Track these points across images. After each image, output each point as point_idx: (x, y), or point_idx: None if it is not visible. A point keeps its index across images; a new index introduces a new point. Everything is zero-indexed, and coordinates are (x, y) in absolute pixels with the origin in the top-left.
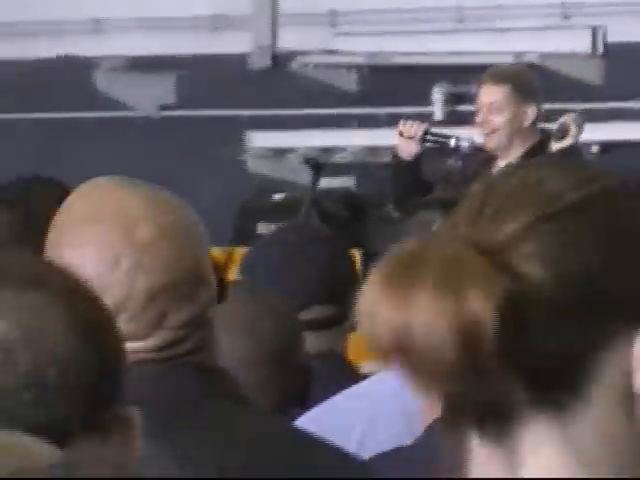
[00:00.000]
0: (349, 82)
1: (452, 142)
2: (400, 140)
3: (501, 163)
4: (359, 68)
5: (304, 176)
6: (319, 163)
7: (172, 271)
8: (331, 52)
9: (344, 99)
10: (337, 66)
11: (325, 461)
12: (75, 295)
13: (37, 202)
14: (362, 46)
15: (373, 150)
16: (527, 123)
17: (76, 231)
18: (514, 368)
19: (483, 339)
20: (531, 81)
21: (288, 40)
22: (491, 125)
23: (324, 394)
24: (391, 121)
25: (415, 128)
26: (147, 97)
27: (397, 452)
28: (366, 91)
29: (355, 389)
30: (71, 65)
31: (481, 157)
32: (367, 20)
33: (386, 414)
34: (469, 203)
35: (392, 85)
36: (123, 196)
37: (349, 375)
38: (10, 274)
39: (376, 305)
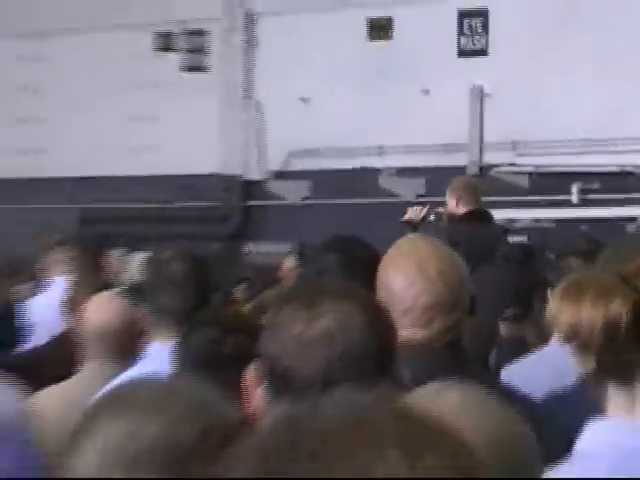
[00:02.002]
0: (525, 183)
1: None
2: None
3: None
4: (530, 175)
5: None
6: (506, 229)
7: (443, 296)
8: (513, 165)
9: (520, 192)
10: (517, 173)
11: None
12: (369, 303)
13: (357, 250)
14: (529, 161)
15: (537, 221)
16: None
17: (395, 263)
18: None
19: (621, 329)
20: (457, 184)
21: (488, 158)
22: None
23: (511, 359)
24: (548, 203)
25: (417, 212)
26: (408, 192)
27: (560, 395)
28: (534, 187)
29: (531, 356)
30: (363, 173)
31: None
32: (531, 146)
33: (543, 371)
34: (607, 253)
35: (549, 183)
36: (424, 248)
37: (527, 349)
38: (329, 290)
39: (558, 310)
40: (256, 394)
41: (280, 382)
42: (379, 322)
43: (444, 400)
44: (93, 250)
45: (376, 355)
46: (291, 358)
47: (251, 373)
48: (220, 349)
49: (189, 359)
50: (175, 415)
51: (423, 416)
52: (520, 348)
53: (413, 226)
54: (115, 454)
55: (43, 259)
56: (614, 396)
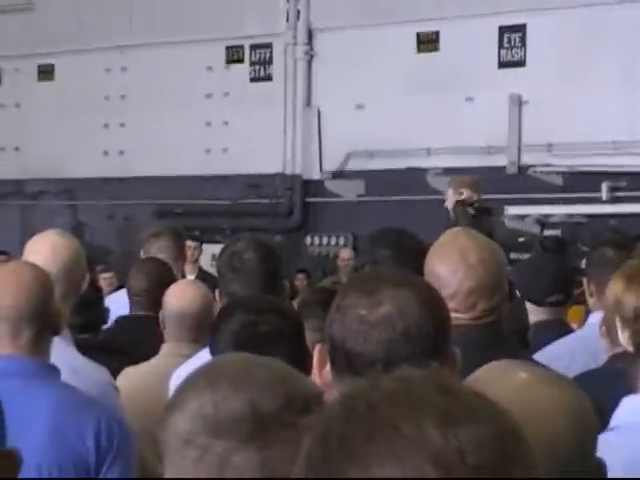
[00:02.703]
0: (559, 182)
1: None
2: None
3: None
4: (564, 174)
5: (536, 230)
6: (543, 223)
7: (484, 281)
8: (548, 165)
9: (555, 190)
10: (552, 172)
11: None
12: (424, 289)
13: (405, 243)
14: (563, 161)
15: (570, 216)
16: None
17: (439, 253)
18: None
19: None
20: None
21: (526, 158)
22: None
23: (554, 339)
24: (580, 200)
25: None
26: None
27: (594, 371)
28: (567, 185)
29: (568, 337)
30: (412, 173)
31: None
32: (564, 148)
33: (579, 350)
34: None
35: (581, 182)
36: (465, 239)
37: (568, 331)
38: (388, 279)
39: (622, 293)
40: (323, 372)
41: (344, 362)
42: (433, 306)
43: (516, 376)
44: (180, 241)
45: (432, 336)
46: (355, 340)
47: (317, 354)
48: (255, 329)
49: (226, 344)
50: (257, 388)
51: (465, 390)
52: (560, 330)
53: (462, 207)
54: (201, 422)
55: (143, 249)
56: None
